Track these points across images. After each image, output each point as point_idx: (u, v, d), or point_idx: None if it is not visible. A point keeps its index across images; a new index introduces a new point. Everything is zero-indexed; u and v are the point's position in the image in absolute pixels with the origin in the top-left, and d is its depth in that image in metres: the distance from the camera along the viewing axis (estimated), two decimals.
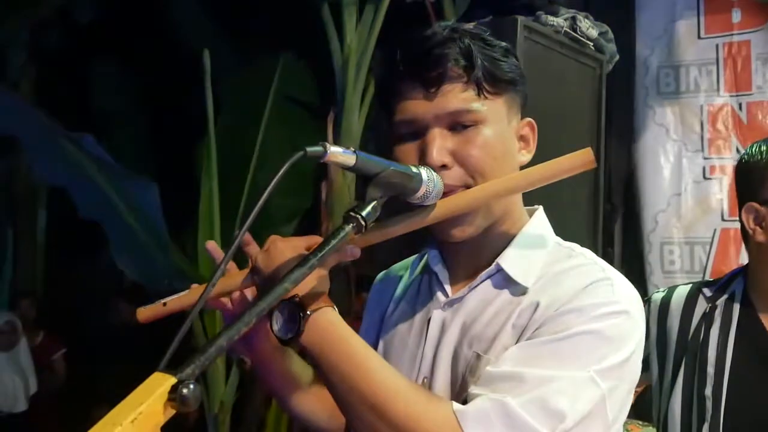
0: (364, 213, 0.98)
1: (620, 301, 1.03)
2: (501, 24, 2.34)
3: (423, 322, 1.16)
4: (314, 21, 4.51)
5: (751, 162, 1.63)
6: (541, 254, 1.11)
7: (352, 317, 3.52)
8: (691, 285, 1.76)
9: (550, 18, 2.56)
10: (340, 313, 1.04)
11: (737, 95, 3.73)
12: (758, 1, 3.69)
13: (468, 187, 1.07)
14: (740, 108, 3.72)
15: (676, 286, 1.79)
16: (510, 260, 1.10)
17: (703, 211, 3.74)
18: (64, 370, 5.96)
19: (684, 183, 3.79)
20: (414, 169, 1.03)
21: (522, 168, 1.13)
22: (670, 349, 1.69)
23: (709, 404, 1.59)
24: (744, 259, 1.75)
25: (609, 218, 3.73)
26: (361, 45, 4.48)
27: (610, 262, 1.12)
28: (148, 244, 4.21)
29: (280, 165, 0.89)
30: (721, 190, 3.71)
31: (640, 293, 1.09)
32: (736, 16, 3.74)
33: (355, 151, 0.96)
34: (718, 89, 3.76)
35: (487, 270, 1.11)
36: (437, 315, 1.14)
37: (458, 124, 1.08)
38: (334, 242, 0.96)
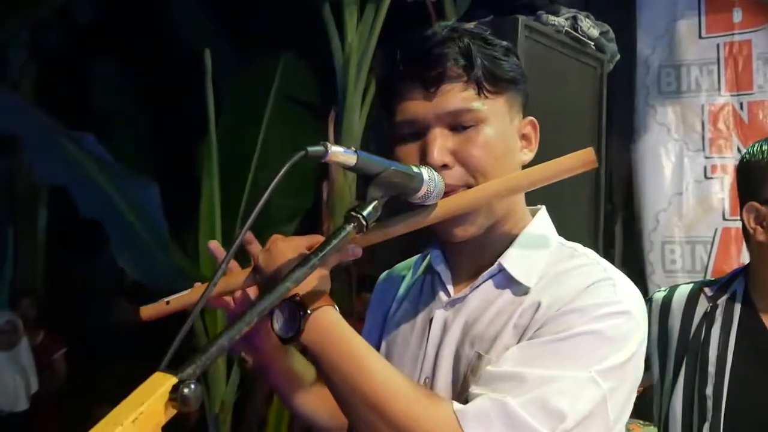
0: (365, 213, 0.98)
1: (622, 301, 1.03)
2: (502, 23, 2.34)
3: (425, 322, 1.16)
4: (315, 20, 4.52)
5: (752, 161, 1.63)
6: (543, 254, 1.11)
7: (354, 317, 3.52)
8: (692, 284, 1.76)
9: (551, 17, 2.56)
10: (342, 312, 1.04)
11: (738, 95, 3.73)
12: (759, 1, 3.69)
13: (469, 186, 1.07)
14: (741, 107, 3.72)
15: (677, 286, 1.79)
16: (512, 260, 1.10)
17: (705, 211, 3.74)
18: (65, 370, 5.97)
19: (685, 182, 3.79)
20: (415, 169, 1.02)
21: (524, 167, 1.13)
22: (671, 349, 1.69)
23: (709, 404, 1.59)
24: (745, 258, 1.75)
25: (610, 218, 3.73)
26: (362, 44, 4.48)
27: (611, 261, 1.12)
28: (149, 244, 4.21)
29: (281, 165, 0.89)
30: (723, 190, 3.71)
31: (641, 292, 1.09)
32: (737, 15, 3.74)
33: (356, 151, 0.96)
34: (719, 89, 3.76)
35: (489, 270, 1.11)
36: (439, 315, 1.14)
37: (459, 123, 1.07)
38: (335, 242, 0.96)
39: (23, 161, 6.67)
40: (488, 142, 1.07)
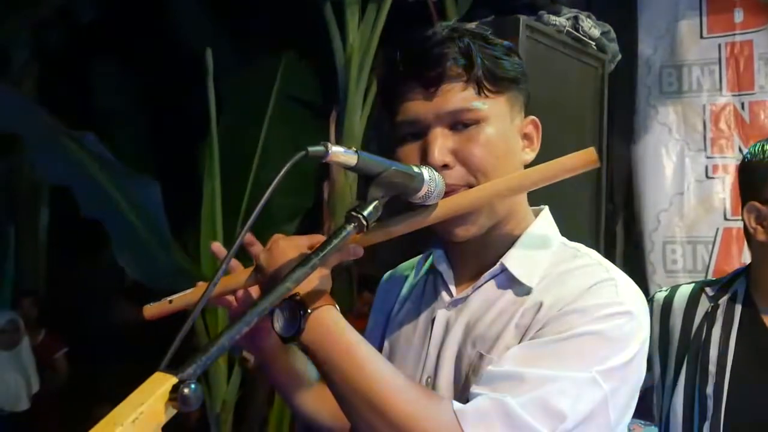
0: (365, 213, 0.98)
1: (624, 302, 1.02)
2: (503, 23, 2.34)
3: (427, 322, 1.16)
4: (316, 20, 4.51)
5: (753, 161, 1.63)
6: (545, 254, 1.11)
7: (355, 316, 3.52)
8: (693, 284, 1.76)
9: (553, 17, 2.56)
10: (342, 312, 1.04)
11: (740, 95, 3.73)
12: (760, 1, 3.69)
13: (470, 186, 1.07)
14: (743, 107, 3.72)
15: (678, 286, 1.79)
16: (514, 260, 1.10)
17: (706, 211, 3.74)
18: (66, 369, 5.97)
19: (686, 182, 3.79)
20: (416, 169, 1.02)
21: (526, 166, 1.13)
22: (672, 348, 1.69)
23: (710, 403, 1.59)
24: (746, 258, 1.75)
25: (611, 218, 3.72)
26: (364, 44, 4.48)
27: (612, 261, 1.12)
28: (150, 243, 4.21)
29: (282, 164, 0.89)
30: (724, 190, 3.70)
31: (642, 293, 1.09)
32: (739, 16, 3.74)
33: (356, 151, 0.96)
34: (720, 89, 3.76)
35: (492, 270, 1.11)
36: (441, 315, 1.14)
37: (459, 123, 1.07)
38: (336, 241, 0.96)
39: (24, 160, 6.67)
40: (489, 142, 1.07)
